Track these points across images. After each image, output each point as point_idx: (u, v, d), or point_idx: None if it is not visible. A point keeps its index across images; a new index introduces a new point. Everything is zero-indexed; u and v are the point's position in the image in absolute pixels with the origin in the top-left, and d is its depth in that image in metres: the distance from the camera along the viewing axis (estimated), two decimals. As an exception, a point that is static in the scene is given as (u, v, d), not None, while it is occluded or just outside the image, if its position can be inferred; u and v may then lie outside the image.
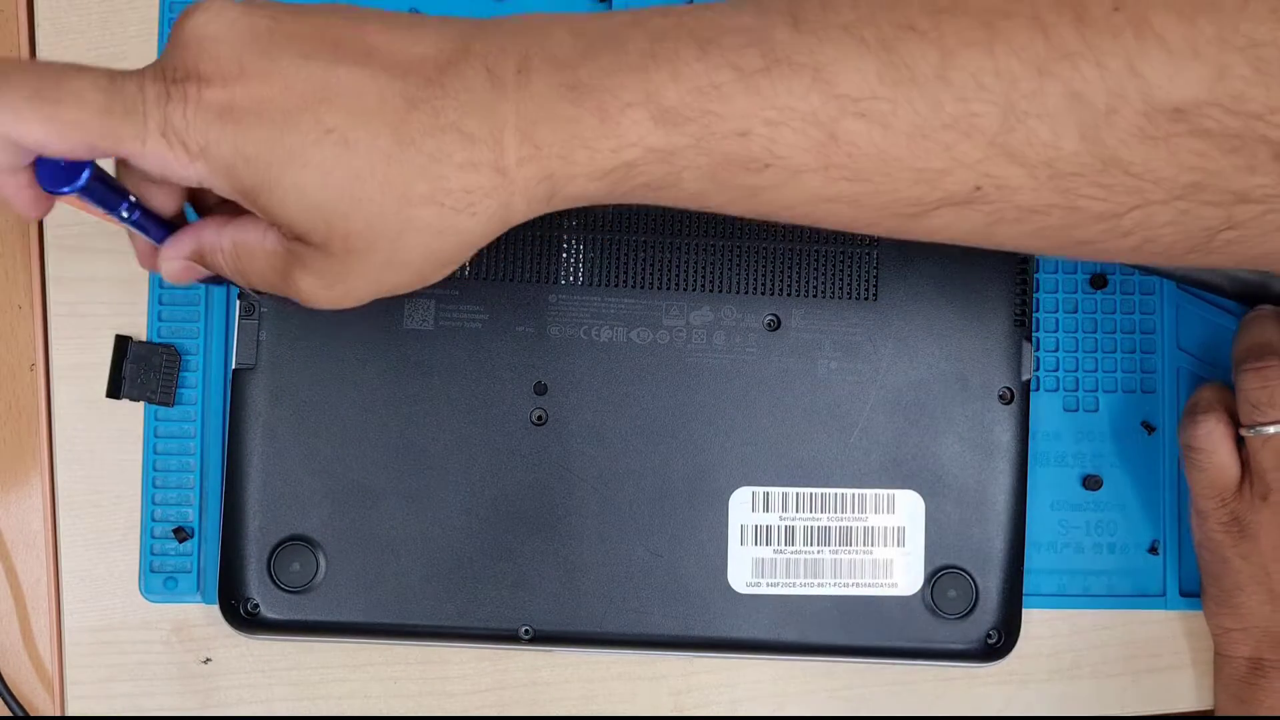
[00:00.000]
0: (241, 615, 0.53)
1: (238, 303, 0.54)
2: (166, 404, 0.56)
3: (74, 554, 0.56)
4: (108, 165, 0.42)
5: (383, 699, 0.56)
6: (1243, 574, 0.53)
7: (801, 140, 0.39)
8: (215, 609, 0.54)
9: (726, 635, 0.54)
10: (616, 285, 0.55)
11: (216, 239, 0.43)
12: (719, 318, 0.55)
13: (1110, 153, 0.38)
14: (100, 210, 0.42)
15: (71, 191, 0.40)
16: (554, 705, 0.56)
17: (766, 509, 0.54)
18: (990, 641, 0.54)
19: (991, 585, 0.54)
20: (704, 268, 0.55)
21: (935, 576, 0.54)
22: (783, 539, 0.54)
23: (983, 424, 0.55)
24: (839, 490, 0.54)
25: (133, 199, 0.42)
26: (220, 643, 0.56)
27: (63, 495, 0.56)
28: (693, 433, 0.54)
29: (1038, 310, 0.57)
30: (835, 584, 0.54)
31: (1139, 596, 0.57)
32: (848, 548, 0.54)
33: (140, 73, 0.39)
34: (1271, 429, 0.52)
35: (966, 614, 0.54)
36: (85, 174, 0.40)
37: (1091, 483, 0.57)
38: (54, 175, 0.40)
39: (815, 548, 0.54)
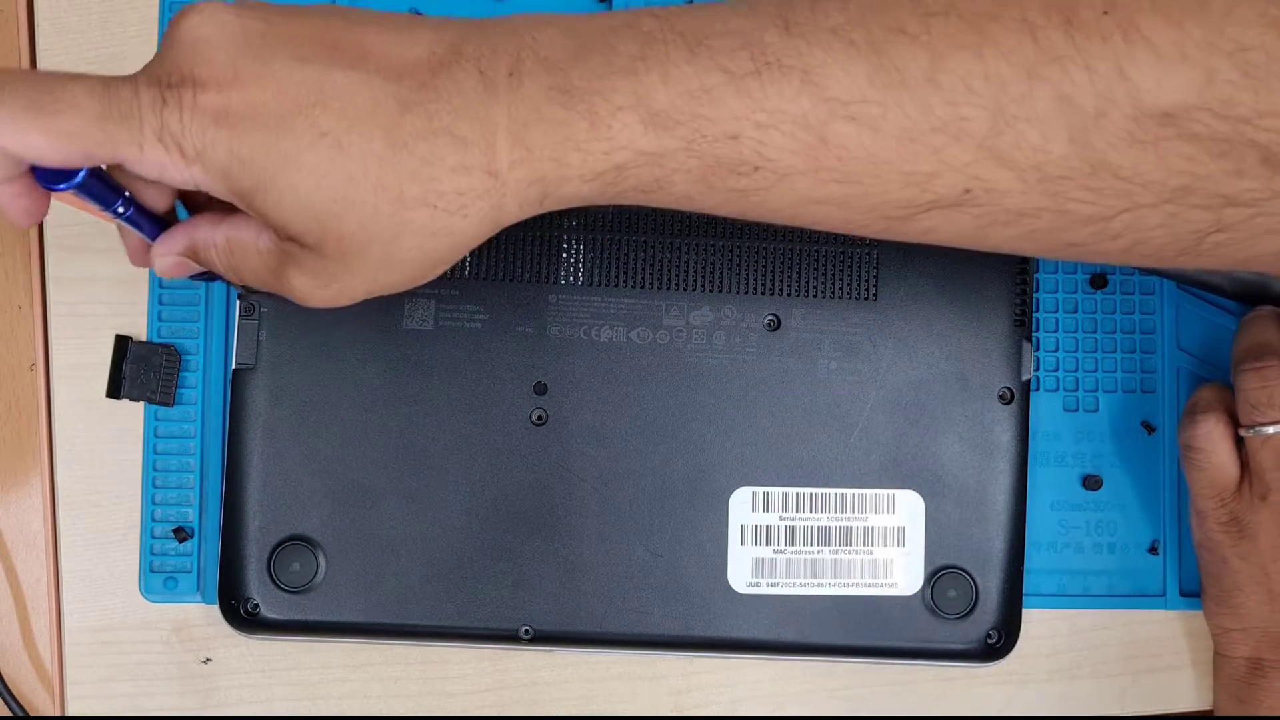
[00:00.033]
0: (241, 615, 0.53)
1: (238, 303, 0.54)
2: (166, 404, 0.56)
3: (74, 554, 0.56)
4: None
5: (383, 699, 0.56)
6: (1242, 574, 0.53)
7: (791, 143, 0.39)
8: (215, 609, 0.54)
9: (726, 635, 0.54)
10: (616, 285, 0.55)
11: (210, 236, 0.44)
12: (719, 318, 0.55)
13: (1099, 156, 0.38)
14: (95, 207, 0.42)
15: (69, 188, 0.40)
16: (554, 705, 0.56)
17: (766, 509, 0.54)
18: (990, 641, 0.54)
19: (991, 585, 0.54)
20: (704, 268, 0.55)
21: (935, 576, 0.54)
22: (783, 539, 0.54)
23: (983, 424, 0.55)
24: (839, 490, 0.54)
25: (128, 195, 0.42)
26: (220, 643, 0.56)
27: (63, 495, 0.56)
28: (693, 433, 0.54)
29: (1038, 310, 0.57)
30: (835, 584, 0.54)
31: (1139, 596, 0.57)
32: (848, 548, 0.54)
33: (134, 78, 0.39)
34: (1271, 429, 0.52)
35: (966, 614, 0.54)
36: (83, 172, 0.40)
37: (1091, 483, 0.57)
38: (52, 173, 0.40)
39: (815, 548, 0.54)
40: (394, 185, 0.39)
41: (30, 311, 0.57)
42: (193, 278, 0.46)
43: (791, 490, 0.54)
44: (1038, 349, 0.57)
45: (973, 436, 0.55)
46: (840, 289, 0.55)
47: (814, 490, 0.54)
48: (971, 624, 0.54)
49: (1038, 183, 0.39)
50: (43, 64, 0.57)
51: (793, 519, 0.54)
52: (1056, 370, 0.58)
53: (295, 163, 0.38)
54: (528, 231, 0.54)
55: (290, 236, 0.41)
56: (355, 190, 0.39)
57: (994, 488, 0.55)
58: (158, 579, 0.55)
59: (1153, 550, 0.57)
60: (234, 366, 0.54)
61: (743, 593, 0.54)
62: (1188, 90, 0.37)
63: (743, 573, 0.54)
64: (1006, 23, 0.38)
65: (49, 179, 0.40)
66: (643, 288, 0.55)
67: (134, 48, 0.57)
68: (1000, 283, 0.55)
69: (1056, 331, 0.58)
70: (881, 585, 0.54)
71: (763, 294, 0.55)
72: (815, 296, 0.55)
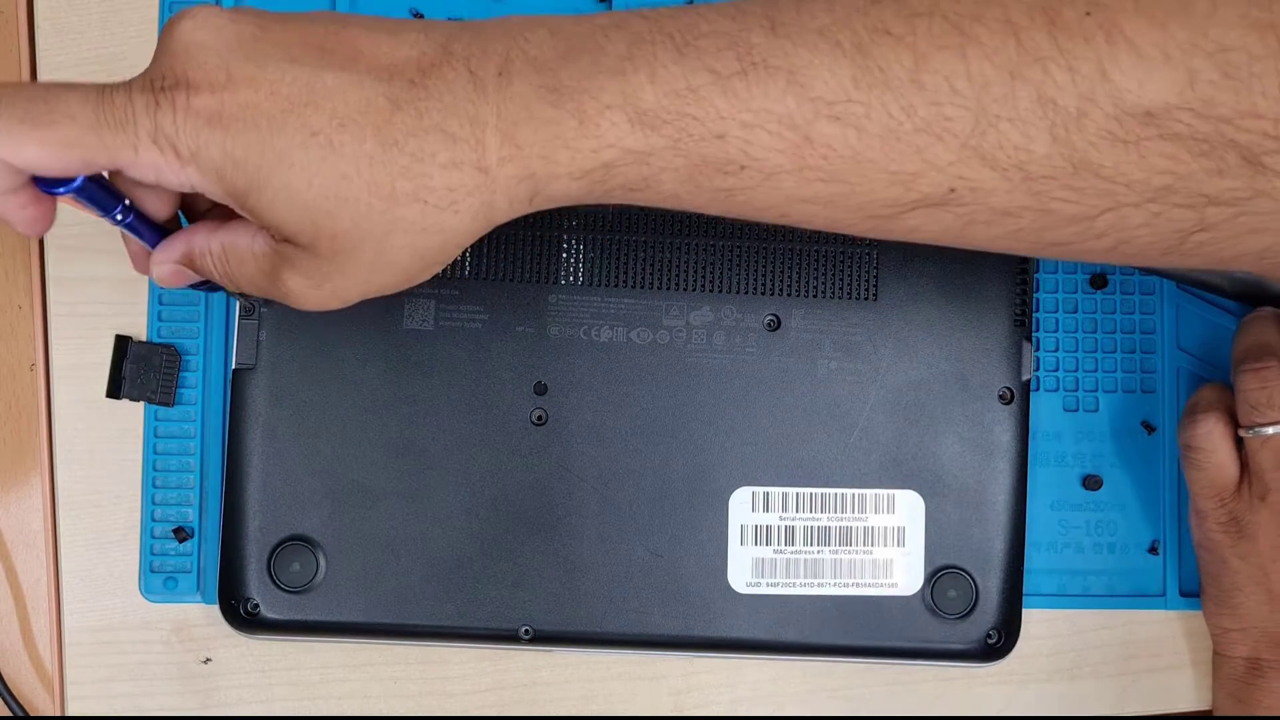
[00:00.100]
0: (241, 615, 0.53)
1: (237, 303, 0.54)
2: (166, 404, 0.56)
3: (74, 554, 0.56)
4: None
5: (383, 699, 0.56)
6: (1241, 574, 0.53)
7: (777, 142, 0.39)
8: (215, 609, 0.54)
9: (726, 635, 0.54)
10: (616, 285, 0.55)
11: (206, 243, 0.44)
12: (719, 318, 0.55)
13: (1081, 156, 0.39)
14: (96, 211, 0.43)
15: (67, 193, 0.41)
16: (554, 705, 0.56)
17: (766, 509, 0.54)
18: (990, 641, 0.54)
19: (991, 585, 0.54)
20: (704, 268, 0.55)
21: (935, 576, 0.54)
22: (783, 539, 0.54)
23: (983, 424, 0.55)
24: (839, 490, 0.55)
25: (127, 202, 0.43)
26: (220, 643, 0.56)
27: (63, 495, 0.56)
28: (693, 433, 0.54)
29: (1038, 310, 0.57)
30: (835, 584, 0.54)
31: (1139, 596, 0.57)
32: (848, 548, 0.54)
33: (128, 84, 0.40)
34: (1270, 430, 0.52)
35: (966, 614, 0.54)
36: (79, 177, 0.40)
37: (1091, 483, 0.57)
38: (51, 178, 0.40)
39: (815, 548, 0.54)
40: (385, 182, 0.39)
41: (30, 311, 0.57)
42: (192, 287, 0.47)
43: (791, 490, 0.54)
44: (1038, 349, 0.57)
45: (973, 436, 0.55)
46: (840, 289, 0.55)
47: (814, 490, 0.54)
48: (971, 624, 0.54)
49: (1021, 182, 0.39)
50: (43, 64, 0.57)
51: (793, 519, 0.54)
52: (1056, 370, 0.58)
53: (288, 162, 0.39)
54: (528, 231, 0.54)
55: (284, 237, 0.41)
56: (348, 188, 0.39)
57: (994, 488, 0.55)
58: (158, 579, 0.55)
59: (1153, 550, 0.57)
60: (234, 366, 0.54)
61: (743, 593, 0.54)
62: (1169, 90, 0.37)
63: (743, 573, 0.54)
64: (990, 23, 0.38)
65: (47, 183, 0.41)
66: (643, 288, 0.55)
67: (134, 48, 0.57)
68: (1000, 283, 0.55)
69: (1056, 331, 0.58)
70: (881, 585, 0.54)
71: (763, 294, 0.55)
72: (815, 296, 0.55)
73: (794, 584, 0.54)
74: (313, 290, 0.42)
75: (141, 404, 0.56)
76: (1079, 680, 0.57)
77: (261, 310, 0.54)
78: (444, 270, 0.52)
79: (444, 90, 0.39)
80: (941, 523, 0.54)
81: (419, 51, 0.40)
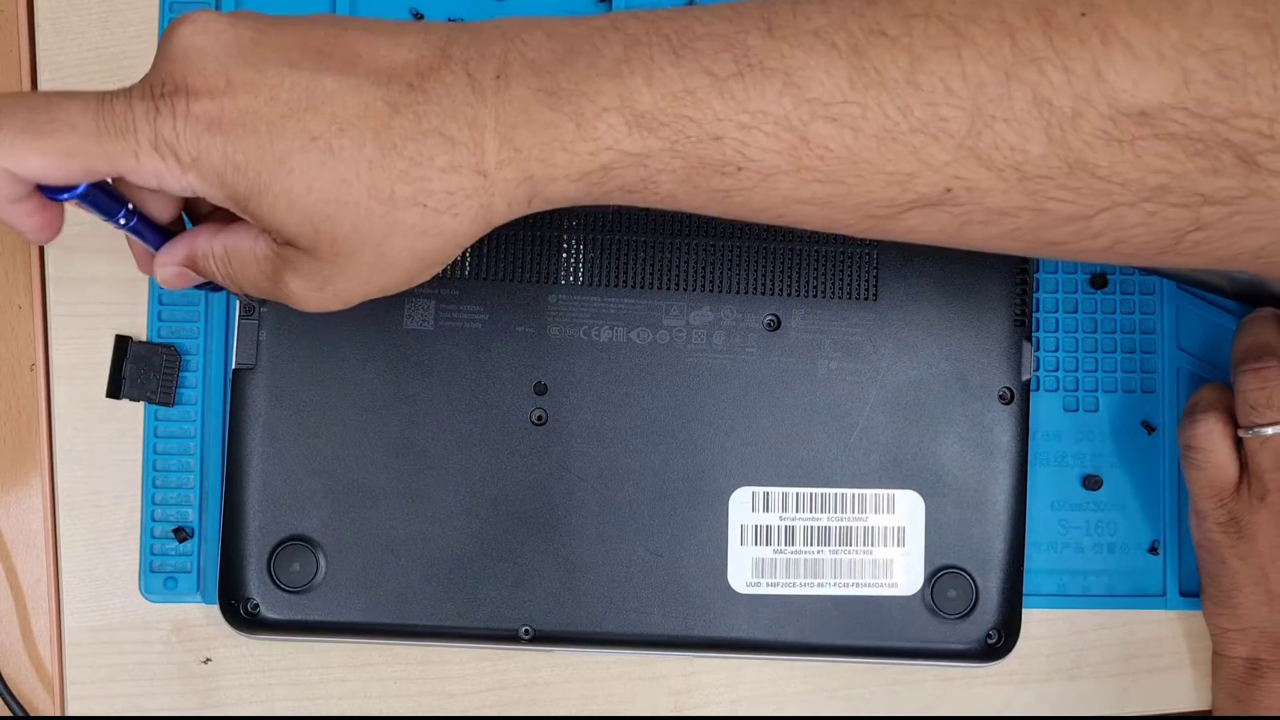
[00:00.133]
0: (241, 615, 0.53)
1: (238, 303, 0.54)
2: (166, 404, 0.56)
3: (74, 554, 0.56)
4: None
5: (383, 699, 0.56)
6: (1240, 574, 0.53)
7: (774, 144, 0.39)
8: (215, 609, 0.54)
9: (726, 635, 0.54)
10: (616, 285, 0.55)
11: (209, 246, 0.44)
12: (719, 318, 0.55)
13: (1076, 156, 0.39)
14: (100, 215, 0.43)
15: (71, 198, 0.41)
16: (554, 705, 0.56)
17: (766, 509, 0.54)
18: (990, 641, 0.54)
19: (991, 585, 0.54)
20: (704, 268, 0.55)
21: (935, 576, 0.54)
22: (783, 539, 0.54)
23: (983, 424, 0.55)
24: (839, 490, 0.55)
25: (130, 207, 0.44)
26: (220, 643, 0.56)
27: (63, 495, 0.56)
28: (693, 433, 0.54)
29: (1038, 310, 0.57)
30: (835, 584, 0.54)
31: (1139, 596, 0.57)
32: (848, 548, 0.54)
33: (128, 91, 0.40)
34: (1269, 430, 0.52)
35: (966, 614, 0.54)
36: (82, 185, 0.41)
37: (1091, 483, 0.57)
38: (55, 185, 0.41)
39: (815, 548, 0.54)
40: (385, 186, 0.39)
41: (30, 311, 0.57)
42: (196, 288, 0.47)
43: (791, 490, 0.54)
44: (1038, 349, 0.57)
45: (973, 436, 0.55)
46: (840, 289, 0.55)
47: (814, 490, 0.54)
48: (971, 624, 0.54)
49: (1017, 182, 0.39)
50: (43, 64, 0.57)
51: (793, 519, 0.54)
52: (1056, 370, 0.58)
53: (288, 166, 0.39)
54: (528, 231, 0.54)
55: (286, 240, 0.41)
56: (347, 192, 0.39)
57: (994, 488, 0.55)
58: (158, 579, 0.55)
59: (1153, 550, 0.57)
60: (234, 366, 0.54)
61: (743, 593, 0.54)
62: (1164, 90, 0.38)
63: (743, 573, 0.54)
64: (985, 24, 0.38)
65: (51, 190, 0.41)
66: (643, 288, 0.55)
67: (134, 48, 0.57)
68: (1000, 283, 0.55)
69: (1056, 331, 0.58)
70: (881, 585, 0.54)
71: (763, 294, 0.55)
72: (815, 296, 0.55)
73: (794, 584, 0.54)
74: (314, 292, 0.43)
75: (141, 404, 0.56)
76: (1079, 680, 0.57)
77: (261, 310, 0.54)
78: (444, 270, 0.52)
79: (442, 94, 0.39)
80: (941, 523, 0.54)
81: (417, 55, 0.40)
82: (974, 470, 0.55)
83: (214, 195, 0.40)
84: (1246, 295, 0.57)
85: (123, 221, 0.43)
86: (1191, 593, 0.57)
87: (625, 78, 0.39)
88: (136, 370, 0.55)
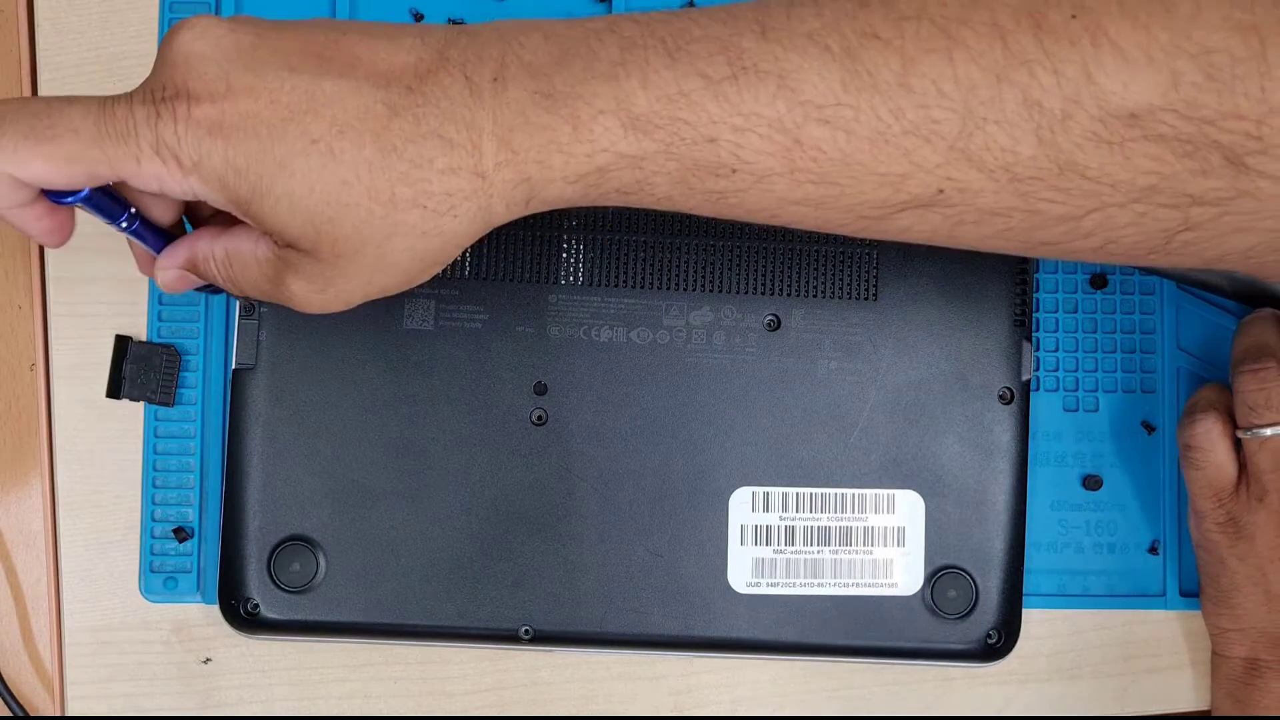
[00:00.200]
0: (241, 615, 0.53)
1: (238, 303, 0.54)
2: (166, 404, 0.56)
3: (74, 554, 0.56)
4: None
5: (383, 699, 0.56)
6: (1239, 575, 0.53)
7: (768, 146, 0.40)
8: (215, 609, 0.54)
9: (726, 635, 0.54)
10: (616, 285, 0.55)
11: (210, 248, 0.45)
12: (719, 318, 0.55)
13: (1067, 157, 0.39)
14: (102, 219, 0.44)
15: (74, 202, 0.42)
16: (554, 705, 0.56)
17: (766, 509, 0.54)
18: (990, 641, 0.54)
19: (991, 585, 0.54)
20: (704, 268, 0.55)
21: (935, 576, 0.54)
22: (783, 539, 0.54)
23: (983, 424, 0.55)
24: (839, 490, 0.55)
25: (132, 210, 0.44)
26: (220, 643, 0.56)
27: (63, 495, 0.56)
28: (693, 433, 0.54)
29: (1038, 310, 0.57)
30: (835, 584, 0.54)
31: (1139, 596, 0.57)
32: (848, 548, 0.54)
33: (129, 96, 0.40)
34: (1268, 431, 0.52)
35: (966, 614, 0.54)
36: (85, 189, 0.41)
37: (1091, 483, 0.57)
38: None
39: (815, 548, 0.54)
40: (385, 188, 0.40)
41: (30, 311, 0.57)
42: (196, 290, 0.47)
43: (791, 490, 0.54)
44: (1038, 349, 0.57)
45: (973, 436, 0.55)
46: (840, 289, 0.55)
47: (814, 490, 0.54)
48: (971, 624, 0.54)
49: (1008, 183, 0.40)
50: (43, 64, 0.57)
51: (793, 519, 0.54)
52: (1056, 370, 0.58)
53: (288, 169, 0.39)
54: (528, 231, 0.54)
55: (287, 242, 0.42)
56: (348, 194, 0.40)
57: (994, 488, 0.55)
58: (158, 579, 0.55)
59: (1152, 550, 0.57)
60: (234, 366, 0.54)
61: (743, 593, 0.54)
62: (1153, 92, 0.38)
63: (743, 573, 0.54)
64: (976, 27, 0.39)
65: (53, 194, 0.41)
66: (643, 288, 0.55)
67: (134, 48, 0.57)
68: (1000, 283, 0.55)
69: (1056, 331, 0.58)
70: (881, 585, 0.54)
71: (763, 294, 0.55)
72: (815, 296, 0.55)
73: (794, 584, 0.54)
74: (315, 294, 0.43)
75: (141, 404, 0.56)
76: (1079, 680, 0.57)
77: (261, 310, 0.54)
78: (444, 270, 0.52)
79: (441, 96, 0.40)
80: (941, 523, 0.54)
81: (416, 57, 0.40)
82: (974, 470, 0.55)
83: (215, 199, 0.41)
84: (1246, 295, 0.57)
85: (124, 225, 0.44)
86: (1191, 593, 0.57)
87: (621, 80, 0.40)
88: (136, 370, 0.55)
